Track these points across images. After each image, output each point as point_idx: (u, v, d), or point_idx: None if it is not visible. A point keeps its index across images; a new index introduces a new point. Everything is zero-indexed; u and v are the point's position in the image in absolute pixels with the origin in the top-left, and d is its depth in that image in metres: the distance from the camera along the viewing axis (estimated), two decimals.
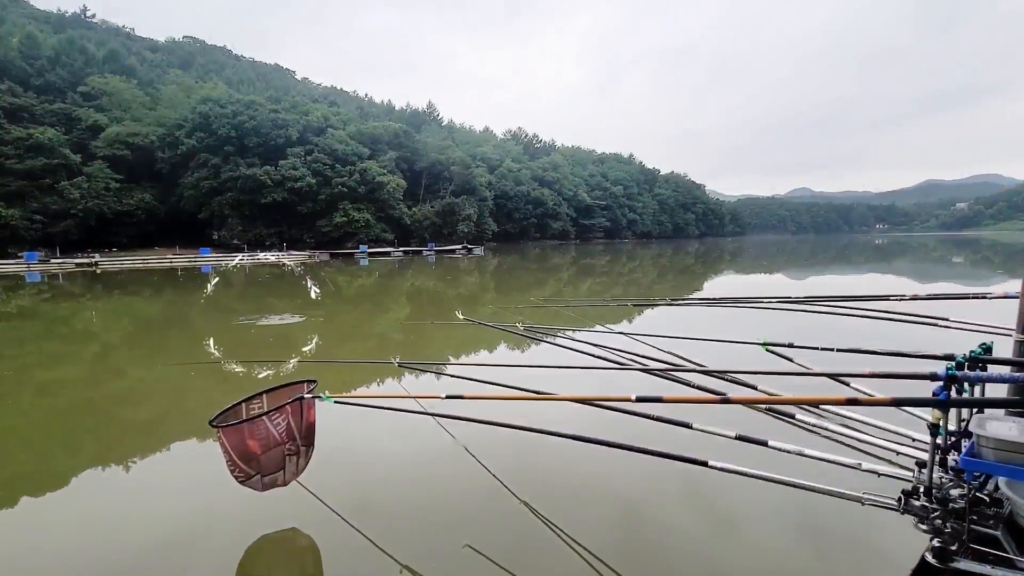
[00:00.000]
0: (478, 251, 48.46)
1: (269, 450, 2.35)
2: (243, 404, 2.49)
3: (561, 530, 2.48)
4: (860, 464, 1.73)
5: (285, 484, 2.52)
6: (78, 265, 31.59)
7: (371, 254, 43.55)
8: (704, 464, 1.82)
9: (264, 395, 2.56)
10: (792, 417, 2.54)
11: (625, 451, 2.07)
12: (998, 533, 1.26)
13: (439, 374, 5.07)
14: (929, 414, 1.36)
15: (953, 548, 1.27)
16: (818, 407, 2.67)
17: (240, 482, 2.38)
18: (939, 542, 1.28)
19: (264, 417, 2.33)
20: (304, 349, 6.89)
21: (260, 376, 5.61)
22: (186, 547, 2.49)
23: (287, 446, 2.41)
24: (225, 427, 2.27)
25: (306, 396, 2.45)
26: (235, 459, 2.29)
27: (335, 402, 2.63)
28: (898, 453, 2.09)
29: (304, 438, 2.50)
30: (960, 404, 1.37)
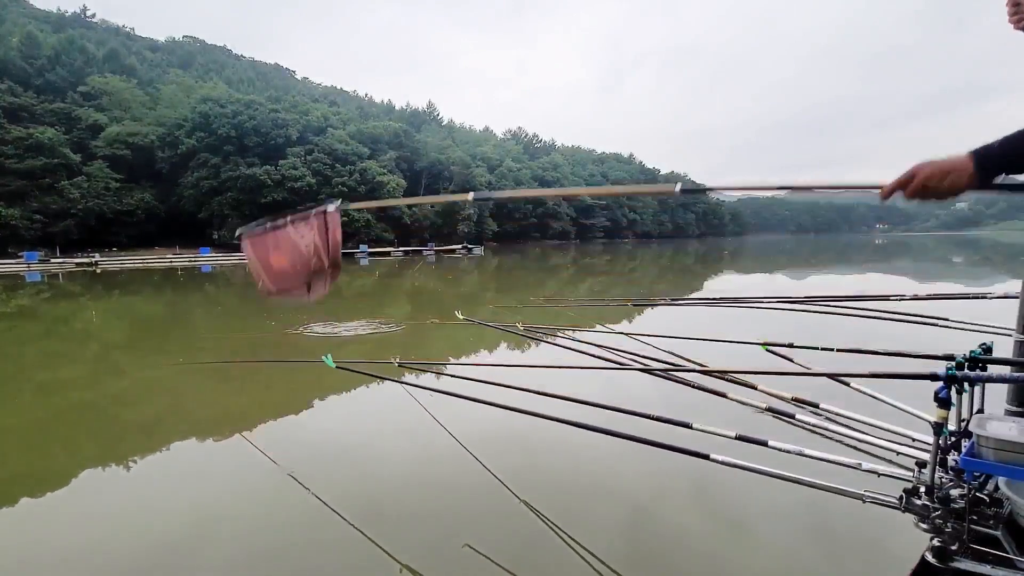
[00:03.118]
0: (478, 251, 48.45)
1: (295, 263, 2.24)
2: (267, 222, 2.42)
3: (562, 530, 2.49)
4: (860, 464, 1.73)
5: (311, 301, 2.37)
6: (78, 265, 31.61)
7: (371, 254, 43.56)
8: (706, 457, 1.82)
9: (288, 216, 2.49)
10: (792, 417, 2.54)
11: (627, 453, 2.08)
12: (998, 533, 1.26)
13: (439, 374, 5.07)
14: (932, 414, 1.36)
15: (953, 548, 1.27)
16: (818, 407, 2.67)
17: (265, 295, 2.29)
18: (939, 541, 1.29)
19: (289, 226, 2.22)
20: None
21: (263, 375, 5.62)
22: (186, 547, 2.50)
23: (313, 260, 2.28)
24: (251, 236, 2.22)
25: (330, 210, 2.28)
26: (260, 271, 2.22)
27: (337, 367, 2.65)
28: (898, 453, 2.09)
29: (330, 255, 2.32)
30: (963, 388, 1.38)
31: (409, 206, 53.04)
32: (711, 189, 1.63)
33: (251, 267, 2.19)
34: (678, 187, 1.60)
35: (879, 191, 1.16)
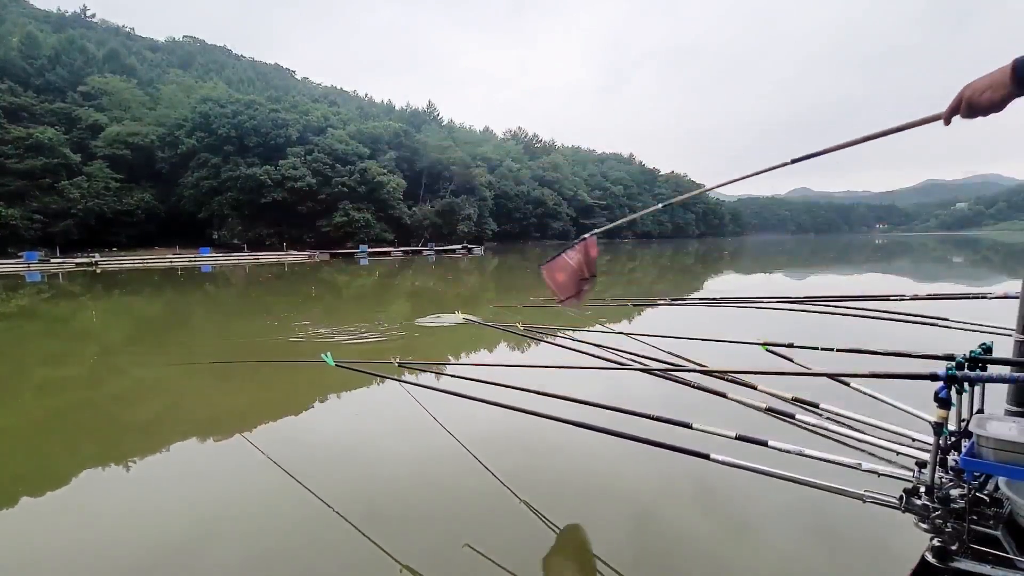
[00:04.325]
0: (478, 251, 48.45)
1: (570, 276, 2.87)
2: (554, 255, 3.00)
3: (562, 530, 2.49)
4: (860, 464, 1.73)
5: (577, 304, 2.92)
6: (78, 265, 31.63)
7: (371, 254, 43.58)
8: (706, 457, 1.83)
9: (565, 248, 3.02)
10: (792, 417, 2.54)
11: (627, 453, 2.08)
12: (998, 533, 1.26)
13: (439, 374, 5.07)
14: (932, 414, 1.36)
15: (953, 548, 1.27)
16: (818, 407, 2.67)
17: (556, 303, 2.91)
18: (939, 541, 1.29)
19: (564, 253, 2.88)
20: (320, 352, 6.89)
21: (263, 375, 5.62)
22: (186, 547, 2.50)
23: (578, 273, 2.87)
24: (546, 266, 2.90)
25: (588, 237, 2.85)
26: (552, 286, 2.88)
27: (336, 365, 3.00)
28: (898, 453, 2.09)
29: (589, 269, 2.89)
30: (963, 388, 1.39)
31: (409, 207, 53.04)
32: (822, 152, 1.75)
33: (547, 285, 2.93)
34: (790, 159, 1.79)
35: (941, 120, 1.27)
